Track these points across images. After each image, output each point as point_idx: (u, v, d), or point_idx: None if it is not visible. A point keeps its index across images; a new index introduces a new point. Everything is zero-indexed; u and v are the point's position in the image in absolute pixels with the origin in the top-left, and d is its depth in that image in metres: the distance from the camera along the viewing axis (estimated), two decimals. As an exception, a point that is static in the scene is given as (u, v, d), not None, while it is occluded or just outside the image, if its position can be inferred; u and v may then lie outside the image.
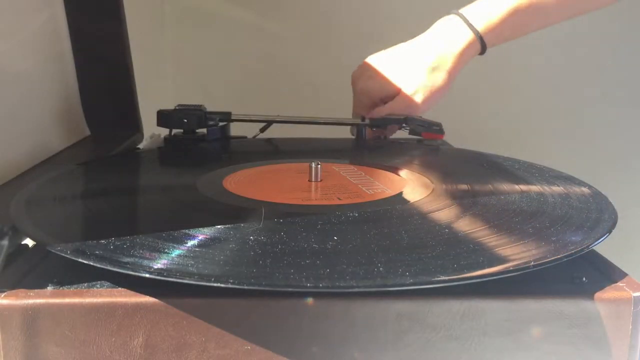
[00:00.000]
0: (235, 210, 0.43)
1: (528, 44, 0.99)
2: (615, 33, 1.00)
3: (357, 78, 0.71)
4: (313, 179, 0.49)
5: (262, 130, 0.68)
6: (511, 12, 0.67)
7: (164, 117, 0.63)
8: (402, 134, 0.71)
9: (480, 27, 0.67)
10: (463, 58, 0.68)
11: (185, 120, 0.63)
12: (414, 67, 0.68)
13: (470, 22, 0.68)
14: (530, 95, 1.05)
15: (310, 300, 0.31)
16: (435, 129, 0.67)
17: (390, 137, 0.71)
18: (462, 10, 0.69)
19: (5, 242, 0.35)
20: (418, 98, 0.68)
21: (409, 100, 0.68)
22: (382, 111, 0.69)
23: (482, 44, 0.68)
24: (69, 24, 0.67)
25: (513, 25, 0.68)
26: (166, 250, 0.34)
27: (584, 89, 1.05)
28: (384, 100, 0.69)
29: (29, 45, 0.60)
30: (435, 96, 0.68)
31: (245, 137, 0.68)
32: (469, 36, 0.68)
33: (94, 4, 0.67)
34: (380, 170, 0.53)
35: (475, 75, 1.03)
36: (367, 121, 0.67)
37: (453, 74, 0.69)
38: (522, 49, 1.01)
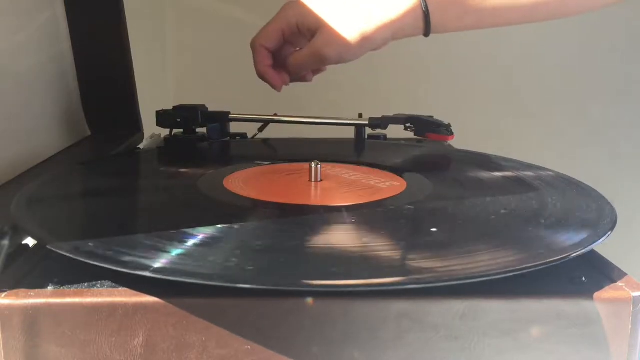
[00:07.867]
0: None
1: (529, 44, 1.00)
2: (615, 32, 1.00)
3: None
4: (313, 179, 0.49)
5: (261, 129, 0.68)
6: None
7: (161, 117, 0.64)
8: (400, 133, 0.71)
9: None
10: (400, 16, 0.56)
11: (179, 120, 0.64)
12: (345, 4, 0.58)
13: None
14: (531, 95, 1.05)
15: (310, 300, 0.31)
16: (443, 129, 0.60)
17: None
18: None
19: (5, 242, 0.35)
20: (346, 34, 0.56)
21: (334, 34, 0.56)
22: (300, 55, 0.59)
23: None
24: (69, 24, 0.67)
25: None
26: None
27: (584, 89, 1.05)
28: (302, 32, 0.60)
29: (29, 45, 0.60)
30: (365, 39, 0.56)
31: (246, 134, 0.68)
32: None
33: (94, 4, 0.67)
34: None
35: (475, 75, 1.04)
36: (367, 121, 0.67)
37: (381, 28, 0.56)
38: (523, 49, 1.01)
